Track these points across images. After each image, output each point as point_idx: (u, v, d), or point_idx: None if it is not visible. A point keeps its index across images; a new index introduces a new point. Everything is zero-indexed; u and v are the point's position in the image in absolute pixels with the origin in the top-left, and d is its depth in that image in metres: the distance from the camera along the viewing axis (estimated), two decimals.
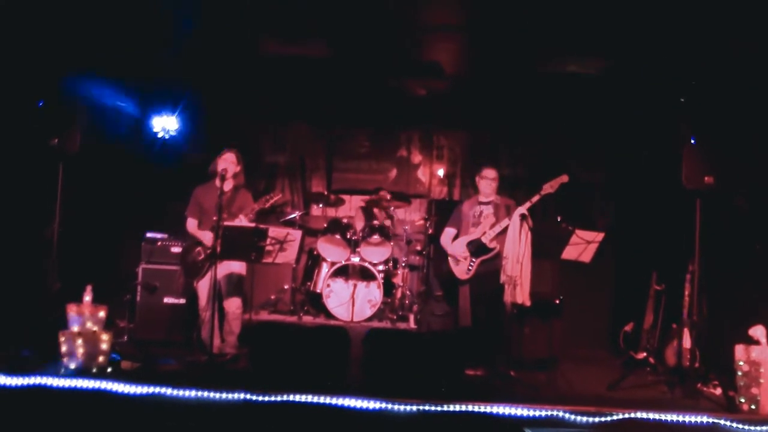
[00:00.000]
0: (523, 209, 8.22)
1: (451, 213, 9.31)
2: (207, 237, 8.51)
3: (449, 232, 9.13)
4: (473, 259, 8.76)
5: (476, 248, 8.76)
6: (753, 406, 7.24)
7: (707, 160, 8.08)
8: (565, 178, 8.39)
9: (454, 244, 8.98)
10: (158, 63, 9.94)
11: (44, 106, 8.34)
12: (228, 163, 8.51)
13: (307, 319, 10.56)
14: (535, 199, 8.37)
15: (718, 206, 8.48)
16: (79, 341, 7.29)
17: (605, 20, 8.61)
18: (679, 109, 9.29)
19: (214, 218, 8.06)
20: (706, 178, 8.01)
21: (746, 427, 6.74)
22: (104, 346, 7.41)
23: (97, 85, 9.74)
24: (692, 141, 8.17)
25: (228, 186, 8.53)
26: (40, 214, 8.59)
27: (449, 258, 9.00)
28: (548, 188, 8.38)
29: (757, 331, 7.35)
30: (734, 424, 6.77)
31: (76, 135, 8.37)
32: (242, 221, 8.29)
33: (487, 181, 8.91)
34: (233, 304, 8.63)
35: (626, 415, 6.78)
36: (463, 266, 8.84)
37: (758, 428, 6.75)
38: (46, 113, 8.32)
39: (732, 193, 8.68)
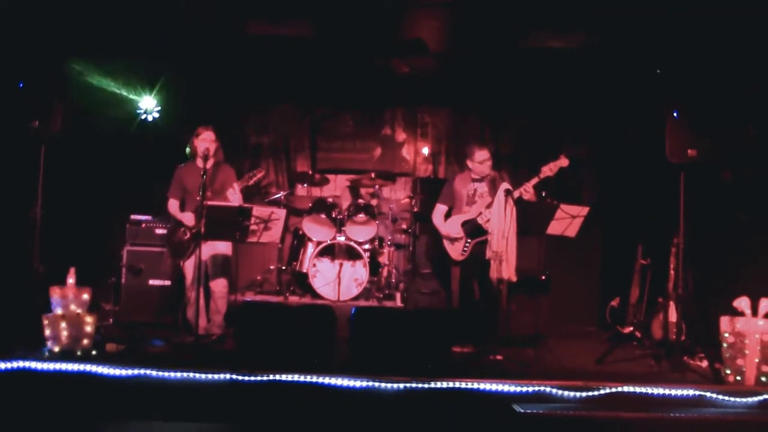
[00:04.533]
0: (508, 185, 8.15)
1: (441, 189, 9.25)
2: (188, 218, 8.51)
3: (441, 209, 9.06)
4: (468, 240, 8.73)
5: (472, 229, 8.72)
6: (738, 377, 7.28)
7: (690, 133, 8.08)
8: (564, 162, 8.31)
9: (447, 223, 8.92)
10: (142, 43, 9.88)
11: (25, 88, 8.28)
12: (208, 141, 8.48)
13: (293, 299, 10.52)
14: (534, 182, 8.32)
15: (703, 179, 8.50)
16: (63, 324, 7.27)
17: None
18: (663, 83, 9.28)
19: (198, 198, 8.02)
20: (689, 151, 8.01)
21: (732, 399, 6.78)
22: (88, 329, 7.38)
23: (79, 65, 9.66)
24: (675, 115, 8.15)
25: (209, 164, 8.52)
26: (25, 197, 8.53)
27: (443, 238, 8.96)
28: (547, 171, 8.31)
29: (741, 303, 7.36)
30: (720, 396, 6.79)
31: (57, 117, 8.31)
32: (235, 193, 8.31)
33: (481, 163, 8.83)
34: (219, 284, 8.63)
35: (613, 389, 6.79)
36: (458, 247, 8.80)
37: (744, 399, 6.78)
38: (27, 95, 8.26)
39: (716, 165, 8.71)
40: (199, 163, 8.29)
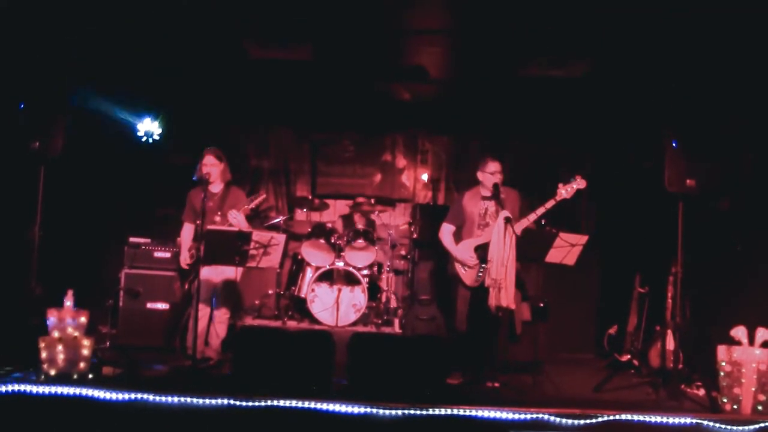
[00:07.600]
0: (507, 213, 8.10)
1: (444, 212, 9.00)
2: (182, 257, 8.70)
3: (448, 228, 8.72)
4: (483, 266, 8.36)
5: (486, 254, 8.28)
6: (735, 406, 7.27)
7: (689, 163, 8.10)
8: (582, 184, 8.14)
9: (459, 247, 8.56)
10: (142, 66, 9.91)
11: (25, 108, 8.29)
12: (209, 166, 8.50)
13: (292, 324, 10.48)
14: (550, 204, 8.12)
15: (700, 208, 8.51)
16: (60, 347, 7.21)
17: (588, 25, 8.64)
18: (662, 113, 9.31)
19: (214, 219, 8.24)
20: (687, 181, 8.04)
21: (729, 427, 6.75)
22: (85, 352, 7.32)
23: (81, 88, 9.67)
24: (674, 144, 8.18)
25: (218, 187, 8.69)
26: (24, 217, 8.53)
27: (456, 264, 8.60)
28: (563, 194, 8.10)
29: (738, 332, 7.37)
30: (717, 424, 6.77)
31: (58, 138, 8.32)
32: (235, 216, 8.33)
33: (492, 174, 8.44)
34: (221, 311, 8.69)
35: (611, 417, 6.78)
36: (472, 273, 8.46)
37: (740, 428, 6.77)
38: (28, 116, 8.27)
39: (713, 195, 8.72)
40: (204, 187, 8.32)
